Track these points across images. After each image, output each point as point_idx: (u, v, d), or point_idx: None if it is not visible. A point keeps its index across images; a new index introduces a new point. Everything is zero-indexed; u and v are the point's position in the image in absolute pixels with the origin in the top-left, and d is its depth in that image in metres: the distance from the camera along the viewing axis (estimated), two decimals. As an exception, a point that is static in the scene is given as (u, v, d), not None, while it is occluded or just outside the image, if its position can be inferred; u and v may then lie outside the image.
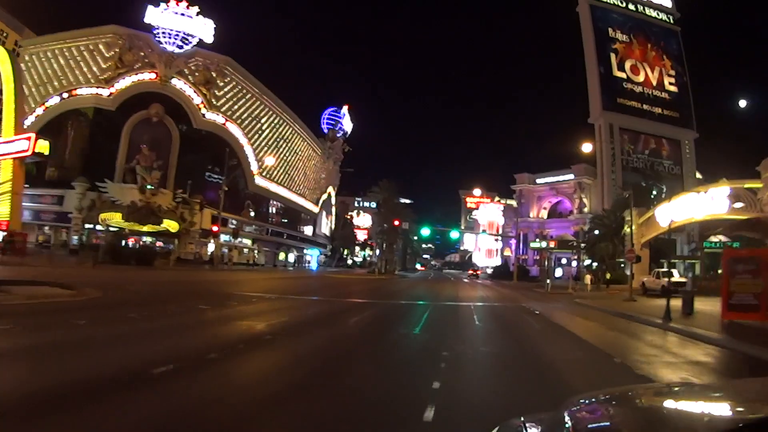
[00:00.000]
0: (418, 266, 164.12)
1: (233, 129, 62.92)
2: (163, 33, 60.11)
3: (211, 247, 58.70)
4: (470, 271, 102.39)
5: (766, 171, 34.96)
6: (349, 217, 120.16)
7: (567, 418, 1.78)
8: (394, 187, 70.18)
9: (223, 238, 60.20)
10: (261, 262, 71.48)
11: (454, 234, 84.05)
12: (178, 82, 60.36)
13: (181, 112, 59.51)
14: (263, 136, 69.58)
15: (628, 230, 53.25)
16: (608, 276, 46.13)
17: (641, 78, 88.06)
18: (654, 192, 68.42)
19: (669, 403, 2.09)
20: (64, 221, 57.27)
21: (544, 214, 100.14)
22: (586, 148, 42.85)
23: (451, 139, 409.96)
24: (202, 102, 60.32)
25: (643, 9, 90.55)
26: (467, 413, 5.77)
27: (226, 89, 63.30)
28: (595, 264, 61.80)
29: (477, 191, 59.99)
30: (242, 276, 42.54)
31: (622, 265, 53.25)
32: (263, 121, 69.78)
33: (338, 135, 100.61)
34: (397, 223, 62.83)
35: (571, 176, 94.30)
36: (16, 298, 14.30)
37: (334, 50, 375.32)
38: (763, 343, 12.42)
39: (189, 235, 56.91)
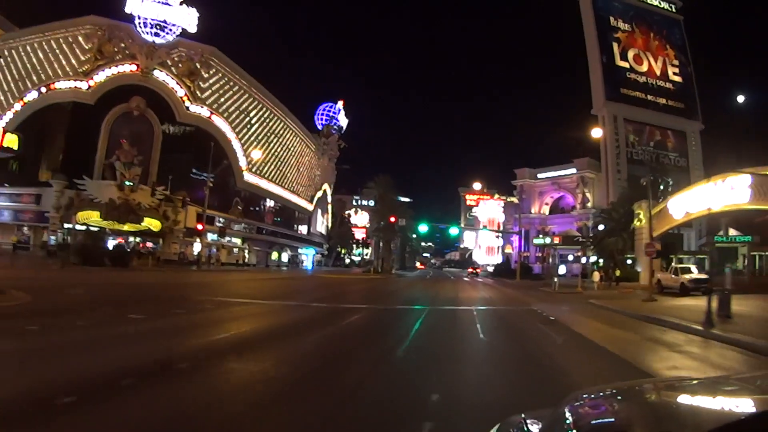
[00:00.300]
0: (417, 265, 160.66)
1: (219, 123, 59.40)
2: (145, 23, 56.67)
3: (197, 246, 55.27)
4: (470, 270, 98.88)
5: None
6: (346, 215, 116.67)
7: (568, 414, 1.73)
8: (390, 182, 66.78)
9: (210, 237, 56.87)
10: (252, 262, 67.99)
11: (453, 230, 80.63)
12: (160, 74, 56.92)
13: (163, 105, 56.04)
14: (252, 130, 66.05)
15: (638, 224, 49.83)
16: (618, 273, 42.65)
17: (644, 68, 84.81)
18: (661, 185, 64.70)
19: (670, 397, 2.02)
20: (42, 221, 53.99)
21: (545, 209, 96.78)
22: (596, 133, 39.49)
23: (450, 136, 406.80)
24: (185, 94, 56.82)
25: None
26: None
27: (211, 81, 59.81)
28: (601, 260, 58.60)
29: (477, 185, 56.56)
30: (225, 277, 39.15)
31: (629, 261, 49.85)
32: (252, 115, 66.23)
33: (333, 131, 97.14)
34: (393, 219, 59.28)
35: (573, 170, 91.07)
36: None
37: (330, 45, 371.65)
38: None
39: (173, 234, 53.47)
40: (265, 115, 69.39)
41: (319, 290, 27.48)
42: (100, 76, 56.39)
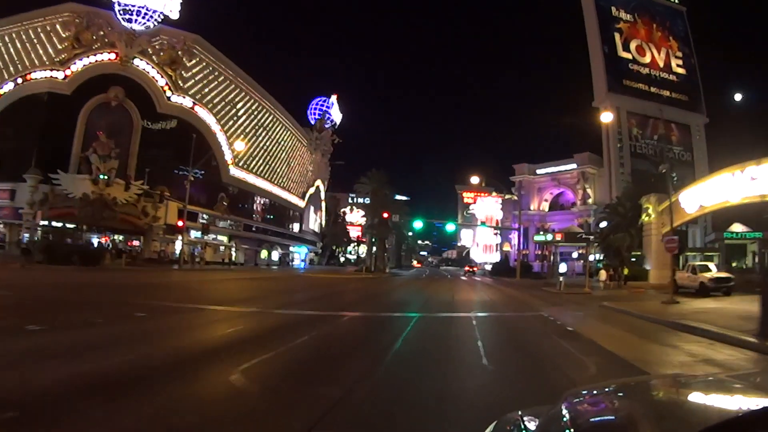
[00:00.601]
0: (414, 263, 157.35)
1: (203, 114, 55.96)
2: (125, 9, 53.23)
3: (179, 244, 51.89)
4: (466, 268, 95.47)
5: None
6: (342, 213, 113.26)
7: (565, 411, 1.71)
8: (384, 177, 63.19)
9: (194, 234, 53.49)
10: (240, 260, 64.59)
11: (450, 227, 77.47)
12: (140, 63, 53.47)
13: (143, 96, 52.59)
14: (239, 122, 62.64)
15: (647, 219, 46.52)
16: (625, 271, 39.31)
17: (647, 59, 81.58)
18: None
19: (667, 394, 2.05)
20: (18, 218, 50.61)
21: (545, 206, 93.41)
22: (606, 118, 36.23)
23: (448, 134, 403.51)
24: (166, 84, 53.39)
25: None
26: None
27: (194, 70, 56.36)
28: (603, 258, 55.37)
29: (474, 179, 53.19)
30: (200, 277, 35.73)
31: (633, 260, 46.45)
32: (239, 106, 62.83)
33: (326, 125, 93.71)
34: (386, 215, 55.92)
35: (573, 166, 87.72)
36: None
37: (324, 39, 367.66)
38: None
39: (153, 231, 50.12)
40: (253, 107, 65.97)
41: (296, 293, 24.06)
42: (77, 65, 53.06)
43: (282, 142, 74.76)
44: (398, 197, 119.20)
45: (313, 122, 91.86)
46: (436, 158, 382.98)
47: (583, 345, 10.64)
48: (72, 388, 5.44)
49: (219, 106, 58.85)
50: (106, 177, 45.96)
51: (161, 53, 54.18)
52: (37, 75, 53.86)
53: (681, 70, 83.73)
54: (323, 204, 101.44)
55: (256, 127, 66.56)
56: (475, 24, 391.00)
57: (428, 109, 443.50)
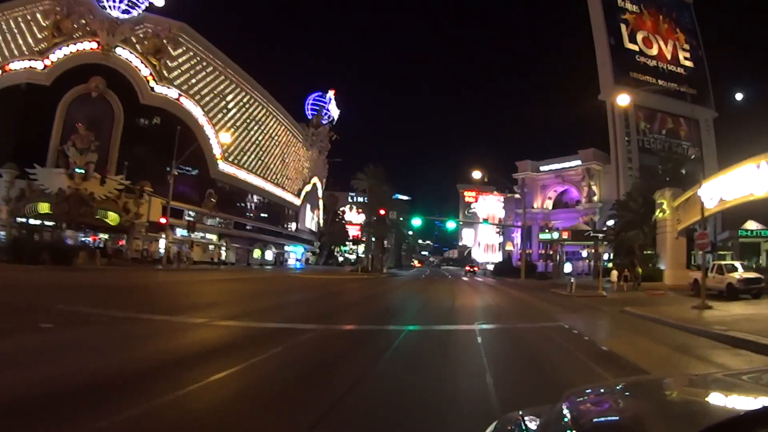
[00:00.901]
0: (414, 263, 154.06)
1: (189, 106, 52.79)
2: (107, -5, 50.30)
3: (163, 243, 48.85)
4: (467, 268, 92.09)
5: None
6: (341, 212, 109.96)
7: (566, 411, 1.69)
8: (381, 173, 60.00)
9: (180, 232, 50.42)
10: (231, 260, 61.41)
11: (450, 224, 74.07)
12: (123, 52, 50.34)
13: (125, 86, 49.45)
14: (229, 116, 59.52)
15: (661, 215, 43.15)
16: (640, 271, 35.92)
17: (654, 51, 78.43)
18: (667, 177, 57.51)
19: (668, 394, 2.04)
20: (-8, 215, 47.54)
21: (548, 204, 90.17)
22: (623, 100, 32.89)
23: (449, 132, 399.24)
24: (150, 74, 50.27)
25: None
26: None
27: (180, 60, 53.20)
28: (609, 258, 52.10)
29: (477, 174, 49.89)
30: (179, 278, 32.61)
31: (637, 260, 43.10)
32: (229, 99, 59.67)
33: (323, 121, 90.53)
34: (383, 212, 52.73)
35: (578, 162, 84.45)
36: None
37: (323, 34, 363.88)
38: None
39: (135, 228, 47.05)
40: (244, 100, 62.80)
41: (272, 296, 20.74)
42: (57, 55, 49.97)
43: (276, 137, 71.51)
44: (399, 197, 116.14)
45: (309, 118, 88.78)
46: (437, 157, 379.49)
47: (630, 374, 7.44)
48: None
49: (207, 98, 55.70)
50: (82, 171, 42.78)
51: (145, 42, 51.09)
52: (16, 65, 50.92)
53: (689, 63, 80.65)
54: (321, 202, 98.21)
55: (248, 121, 63.37)
56: (477, 17, 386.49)
57: (429, 106, 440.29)
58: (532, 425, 1.79)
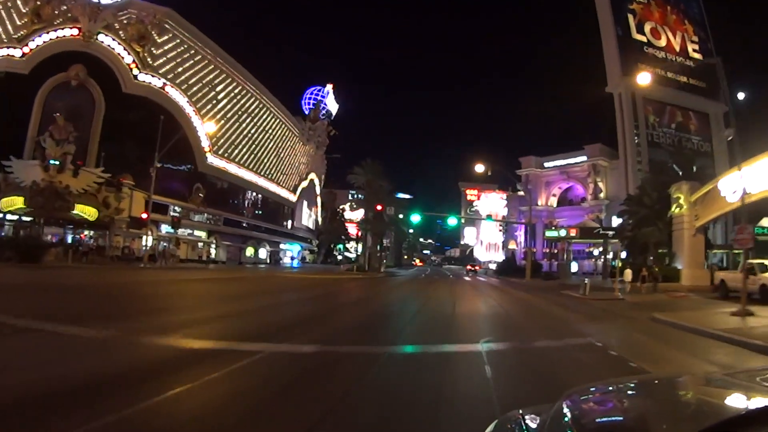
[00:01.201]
0: (415, 262, 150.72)
1: (176, 95, 49.55)
2: (90, -20, 47.16)
3: (148, 240, 45.79)
4: (468, 267, 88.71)
5: None
6: (340, 209, 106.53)
7: (566, 410, 1.67)
8: (379, 168, 56.67)
9: (165, 229, 47.27)
10: (221, 258, 58.20)
11: (451, 221, 70.67)
12: (105, 39, 47.21)
13: (107, 74, 46.32)
14: (219, 107, 56.29)
15: (677, 211, 39.76)
16: (655, 270, 32.50)
17: (663, 43, 75.00)
18: (681, 172, 54.00)
19: (668, 393, 1.99)
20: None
21: (553, 201, 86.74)
22: (643, 78, 29.46)
23: (451, 130, 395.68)
24: (133, 61, 47.14)
25: (659, -32, 77.45)
26: None
27: (166, 47, 49.94)
28: (628, 255, 48.70)
29: (479, 167, 46.46)
30: (154, 277, 29.48)
31: (650, 258, 39.73)
32: (219, 89, 56.42)
33: (321, 116, 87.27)
34: (379, 207, 49.41)
35: (583, 158, 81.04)
36: None
37: (323, 29, 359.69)
38: None
39: (116, 224, 43.94)
40: (236, 91, 59.53)
41: (237, 300, 17.29)
42: (37, 42, 46.89)
43: (270, 131, 68.21)
44: (401, 195, 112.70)
45: (307, 112, 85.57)
46: (439, 155, 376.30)
47: None
48: None
49: (195, 88, 52.46)
50: (57, 163, 39.65)
51: (128, 28, 47.89)
52: (-5, 54, 47.87)
53: (697, 56, 77.12)
54: (319, 199, 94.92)
55: (239, 113, 60.08)
56: (479, 9, 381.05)
57: (430, 104, 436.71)
58: (533, 424, 1.75)
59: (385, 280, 42.33)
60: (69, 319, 10.05)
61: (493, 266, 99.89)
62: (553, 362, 8.05)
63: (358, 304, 18.68)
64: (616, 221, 61.33)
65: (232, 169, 58.02)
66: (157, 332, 9.34)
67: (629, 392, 2.07)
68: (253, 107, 63.22)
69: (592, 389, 2.13)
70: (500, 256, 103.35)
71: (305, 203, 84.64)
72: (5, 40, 48.55)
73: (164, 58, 49.46)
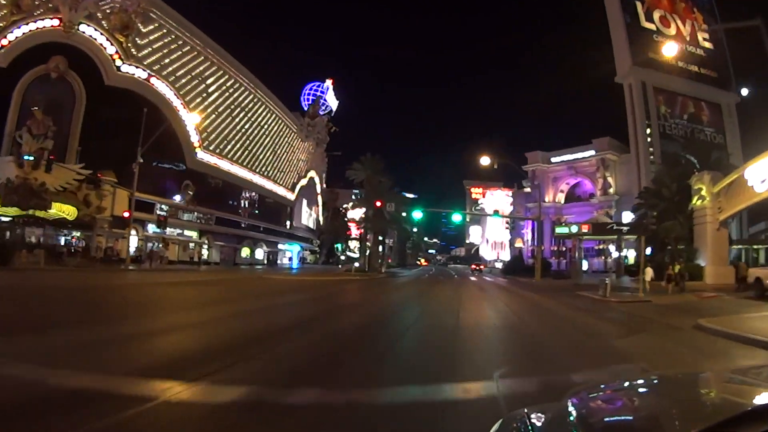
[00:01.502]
0: (420, 261, 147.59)
1: (162, 87, 46.55)
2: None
3: (132, 240, 42.88)
4: (473, 266, 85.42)
5: None
6: (343, 209, 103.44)
7: (571, 409, 1.65)
8: (379, 163, 53.66)
9: (152, 228, 44.39)
10: (214, 259, 55.18)
11: (456, 217, 67.44)
12: (87, 29, 44.23)
13: (89, 66, 43.36)
14: (210, 100, 53.27)
15: (699, 203, 36.45)
16: (677, 268, 29.03)
17: (672, 31, 71.63)
18: (698, 165, 50.53)
19: (675, 391, 1.95)
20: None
21: (561, 198, 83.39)
22: (669, 49, 26.34)
23: (455, 128, 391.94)
24: (116, 52, 44.25)
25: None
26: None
27: (151, 38, 46.89)
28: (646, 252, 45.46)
29: (485, 160, 43.14)
30: (126, 280, 26.62)
31: (676, 256, 36.42)
32: (209, 82, 53.36)
33: (320, 112, 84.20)
34: (378, 204, 46.39)
35: (591, 152, 77.72)
36: None
37: (323, 24, 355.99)
38: None
39: (98, 224, 41.08)
40: (228, 84, 56.47)
41: (190, 310, 14.00)
42: (16, 34, 43.97)
43: (265, 126, 65.09)
44: (405, 195, 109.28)
45: (306, 108, 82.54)
46: (443, 153, 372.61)
47: None
48: None
49: (183, 80, 49.43)
50: (31, 158, 36.80)
51: (111, 17, 44.99)
52: (-27, 47, 45.12)
53: (708, 45, 73.95)
54: (319, 198, 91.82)
55: (232, 107, 57.00)
56: (483, 2, 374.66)
57: (433, 100, 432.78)
58: (538, 423, 1.71)
59: (385, 281, 39.23)
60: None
61: (499, 265, 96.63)
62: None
63: (341, 313, 15.49)
64: (626, 217, 58.13)
65: (225, 165, 54.94)
66: (30, 357, 6.35)
67: (635, 390, 2.02)
68: (246, 101, 60.17)
69: (596, 388, 2.09)
70: (507, 255, 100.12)
71: (305, 202, 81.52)
72: (-15, 33, 45.91)
73: (149, 49, 46.48)
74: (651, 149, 63.48)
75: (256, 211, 64.57)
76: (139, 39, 45.90)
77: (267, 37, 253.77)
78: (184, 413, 4.64)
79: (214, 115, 53.53)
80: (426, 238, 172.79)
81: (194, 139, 49.70)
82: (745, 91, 61.23)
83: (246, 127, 59.74)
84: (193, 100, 49.93)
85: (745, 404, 1.50)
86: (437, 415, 4.75)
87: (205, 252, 54.15)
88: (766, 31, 18.74)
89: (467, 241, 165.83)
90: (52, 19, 44.42)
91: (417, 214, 58.90)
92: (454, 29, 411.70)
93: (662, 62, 68.59)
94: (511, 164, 49.26)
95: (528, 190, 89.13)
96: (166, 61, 47.73)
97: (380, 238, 61.47)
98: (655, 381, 2.33)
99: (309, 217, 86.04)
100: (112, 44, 44.27)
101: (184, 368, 6.15)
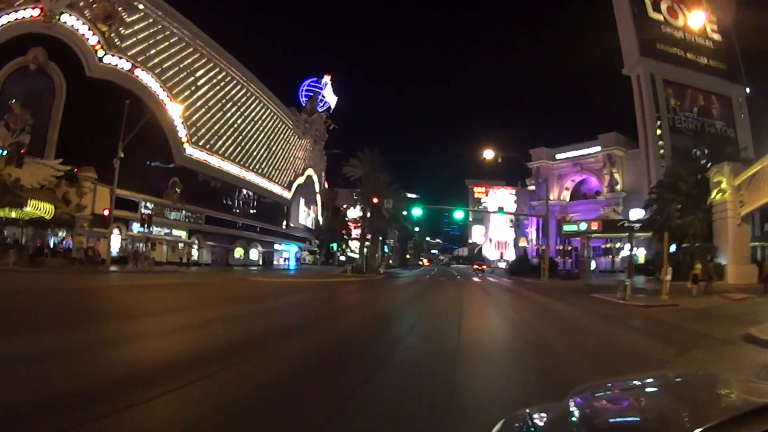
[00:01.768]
0: (423, 262, 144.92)
1: (147, 79, 44.03)
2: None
3: (115, 240, 40.43)
4: (475, 266, 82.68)
5: None
6: (343, 208, 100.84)
7: (573, 408, 1.65)
8: (377, 159, 51.10)
9: (138, 228, 41.86)
10: (205, 260, 52.53)
11: (458, 214, 64.75)
12: (69, 19, 41.83)
13: (70, 57, 40.93)
14: (199, 93, 50.65)
15: (719, 197, 33.74)
16: (698, 267, 26.19)
17: (681, 22, 68.91)
18: (708, 162, 47.58)
19: (678, 390, 1.94)
20: None
21: (566, 195, 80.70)
22: (697, 19, 21.53)
23: (457, 127, 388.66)
24: (98, 42, 41.81)
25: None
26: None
27: (136, 27, 44.30)
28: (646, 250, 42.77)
29: (489, 153, 40.35)
30: (91, 284, 24.05)
31: (692, 252, 33.61)
32: (199, 74, 50.75)
33: (318, 108, 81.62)
34: (376, 200, 43.84)
35: (597, 148, 75.11)
36: None
37: (324, 20, 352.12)
38: None
39: (77, 223, 38.59)
40: (219, 77, 53.82)
41: (145, 318, 11.65)
42: (-5, 26, 41.75)
43: (259, 122, 62.41)
44: (407, 195, 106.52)
45: (304, 105, 79.95)
46: (445, 153, 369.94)
47: None
48: None
49: (170, 72, 46.80)
50: (4, 153, 34.37)
51: (94, 7, 42.50)
52: (-48, 40, 42.77)
53: (716, 36, 71.21)
54: (318, 198, 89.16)
55: (223, 101, 54.36)
56: None
57: (435, 98, 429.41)
58: (540, 422, 1.69)
59: (382, 282, 36.57)
60: None
61: (502, 265, 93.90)
62: None
63: (323, 322, 12.78)
64: (633, 215, 55.46)
65: (215, 162, 52.30)
66: None
67: (638, 389, 1.99)
68: (239, 95, 57.54)
69: (599, 386, 2.04)
70: (510, 254, 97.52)
71: (302, 201, 78.85)
72: (-36, 26, 43.55)
73: (134, 39, 43.92)
74: (661, 143, 60.63)
75: (252, 211, 61.99)
76: (123, 29, 43.39)
77: (264, 32, 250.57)
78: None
79: (204, 109, 50.93)
80: (428, 238, 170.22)
81: (182, 133, 47.11)
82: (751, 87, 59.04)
83: (238, 122, 57.11)
84: (181, 93, 47.32)
85: (752, 402, 1.45)
86: None
87: (195, 253, 51.53)
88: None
89: (470, 241, 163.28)
90: (33, 8, 41.99)
91: (416, 211, 56.24)
92: (457, 24, 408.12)
93: (671, 53, 66.03)
94: (515, 157, 46.57)
95: (532, 188, 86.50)
96: (152, 51, 45.17)
97: (379, 237, 58.94)
98: (658, 380, 2.22)
99: (307, 216, 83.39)
100: (94, 34, 41.78)
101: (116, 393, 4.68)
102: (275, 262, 68.81)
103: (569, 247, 68.02)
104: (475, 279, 44.77)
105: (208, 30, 51.67)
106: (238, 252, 59.29)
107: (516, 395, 5.47)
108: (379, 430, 4.32)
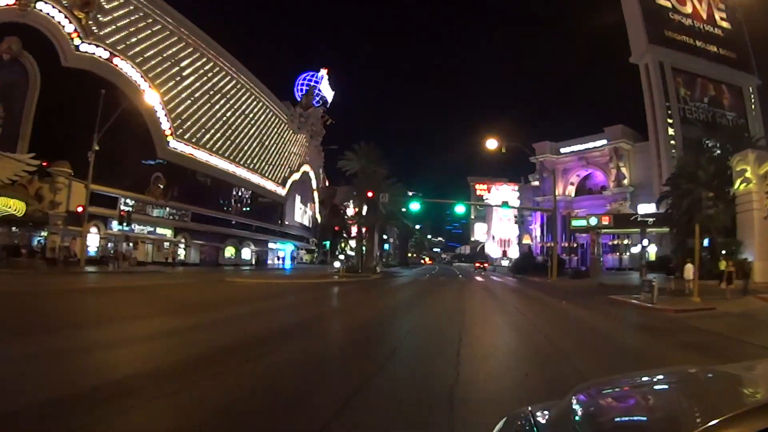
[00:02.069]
0: (425, 260, 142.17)
1: (126, 68, 41.45)
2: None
3: (93, 239, 37.88)
4: (476, 264, 79.82)
5: None
6: (343, 206, 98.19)
7: (576, 406, 1.65)
8: (374, 152, 48.41)
9: (117, 226, 39.26)
10: (193, 260, 49.91)
11: (459, 208, 62.42)
12: (44, 6, 39.35)
13: (45, 46, 38.47)
14: (184, 84, 48.03)
15: (743, 187, 30.97)
16: (723, 266, 23.32)
17: (689, 9, 66.24)
18: (719, 150, 44.60)
19: (681, 388, 1.94)
20: None
21: (571, 191, 77.77)
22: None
23: (459, 123, 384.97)
24: (75, 30, 39.25)
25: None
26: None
27: (115, 15, 41.70)
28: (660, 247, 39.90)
29: (492, 143, 37.57)
30: (41, 287, 21.52)
31: (715, 248, 30.87)
32: (184, 65, 48.12)
33: (315, 102, 78.96)
34: (370, 194, 41.20)
35: (603, 142, 72.12)
36: None
37: (324, 17, 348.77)
38: None
39: (51, 221, 36.05)
40: (206, 68, 51.20)
41: (71, 330, 9.26)
42: (-33, 14, 39.22)
43: (251, 116, 59.76)
44: (408, 193, 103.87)
45: (299, 98, 77.28)
46: (447, 150, 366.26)
47: None
48: None
49: (153, 62, 44.25)
50: (-32, 147, 31.91)
51: (71, -8, 39.96)
52: None
53: (725, 24, 68.54)
54: (316, 195, 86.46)
55: (211, 93, 51.75)
56: None
57: (436, 94, 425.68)
58: (542, 420, 1.67)
59: (377, 283, 33.90)
60: None
61: (506, 263, 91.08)
62: None
63: (290, 337, 10.18)
64: (642, 210, 52.74)
65: (202, 156, 49.65)
66: None
67: (640, 387, 1.98)
68: (228, 88, 54.92)
69: (601, 384, 2.04)
70: (514, 252, 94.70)
71: (298, 198, 76.17)
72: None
73: (113, 27, 41.34)
74: (671, 132, 57.79)
75: (245, 208, 59.37)
76: (102, 16, 40.82)
77: (259, 25, 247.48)
78: None
79: (189, 101, 48.36)
80: (430, 237, 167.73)
81: (165, 126, 44.54)
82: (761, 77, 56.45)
83: (227, 115, 54.47)
84: (165, 84, 44.82)
85: (756, 400, 1.45)
86: None
87: (181, 252, 48.90)
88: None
89: (472, 239, 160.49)
90: (7, -4, 39.46)
91: (414, 206, 53.55)
92: (459, 16, 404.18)
93: (679, 41, 63.27)
94: (520, 146, 43.75)
95: (536, 183, 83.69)
96: (133, 40, 42.60)
97: (377, 234, 56.24)
98: (660, 378, 2.17)
99: (304, 214, 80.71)
100: (70, 22, 39.25)
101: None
102: (269, 262, 66.08)
103: (575, 244, 65.25)
104: (478, 278, 42.08)
105: (200, 22, 49.38)
106: (229, 251, 56.64)
107: None
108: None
